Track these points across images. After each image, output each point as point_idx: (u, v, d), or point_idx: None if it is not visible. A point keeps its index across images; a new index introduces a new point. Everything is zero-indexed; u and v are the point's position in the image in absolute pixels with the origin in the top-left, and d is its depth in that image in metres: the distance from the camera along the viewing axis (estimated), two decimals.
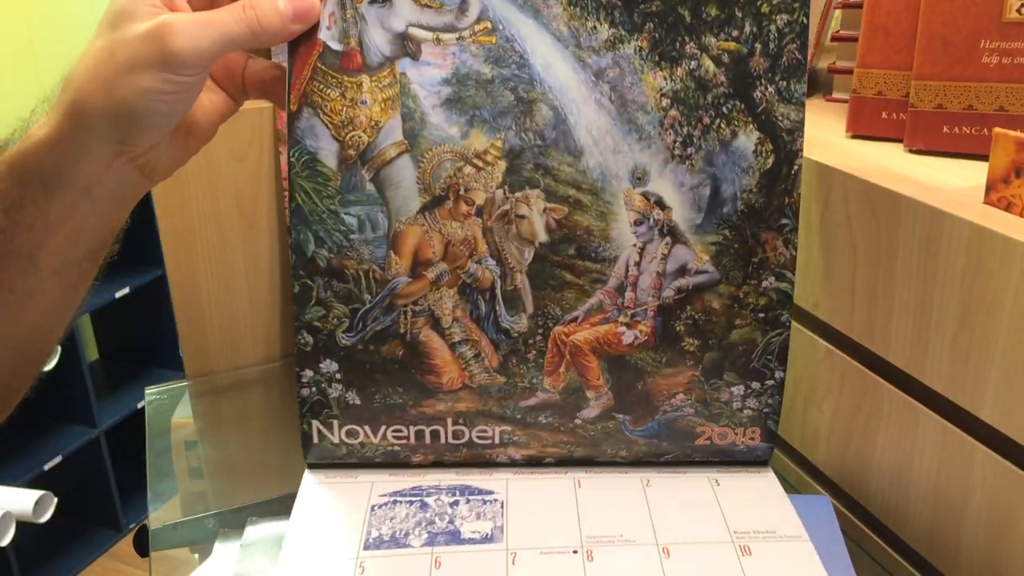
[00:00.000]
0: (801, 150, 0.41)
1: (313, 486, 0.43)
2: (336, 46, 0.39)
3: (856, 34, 0.50)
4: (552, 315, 0.42)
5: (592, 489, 0.43)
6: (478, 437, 0.43)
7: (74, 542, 1.68)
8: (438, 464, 0.44)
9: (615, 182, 0.41)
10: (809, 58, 0.60)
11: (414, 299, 0.42)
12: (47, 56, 1.60)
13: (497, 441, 0.44)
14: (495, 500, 0.42)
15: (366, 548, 0.39)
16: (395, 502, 0.42)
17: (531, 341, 0.42)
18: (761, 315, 0.42)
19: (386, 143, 0.40)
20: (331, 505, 0.42)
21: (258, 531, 0.44)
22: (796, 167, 0.41)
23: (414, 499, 0.42)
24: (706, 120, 0.40)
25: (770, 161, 0.41)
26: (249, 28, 0.34)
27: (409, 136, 0.40)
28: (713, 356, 0.43)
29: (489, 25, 0.39)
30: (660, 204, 0.41)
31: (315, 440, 0.43)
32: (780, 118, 0.40)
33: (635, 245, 0.41)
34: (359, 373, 0.42)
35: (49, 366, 1.37)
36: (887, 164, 0.45)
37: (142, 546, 0.54)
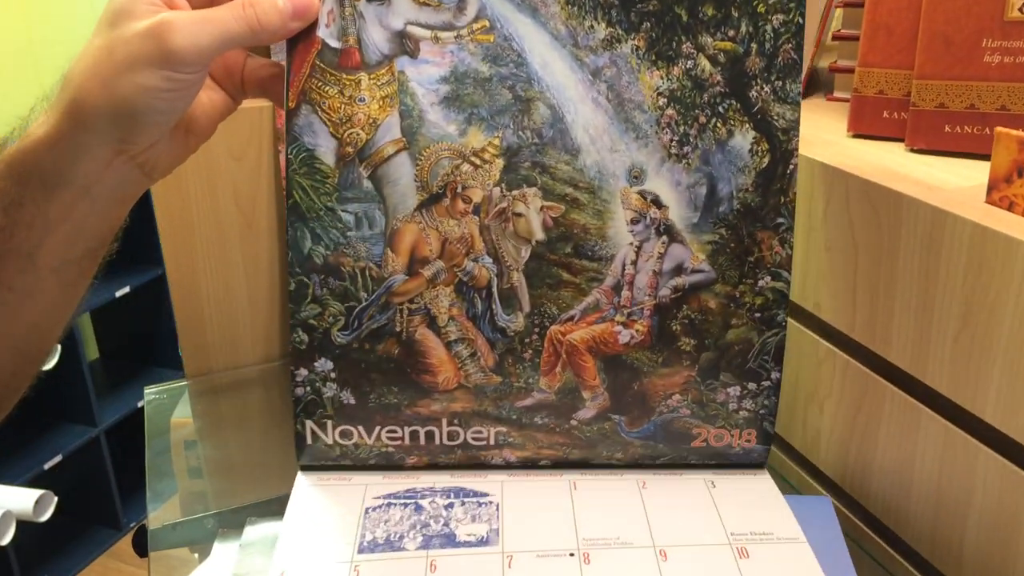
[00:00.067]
0: (796, 149, 0.41)
1: (306, 488, 0.43)
2: (335, 44, 0.39)
3: (857, 33, 0.50)
4: (548, 314, 0.42)
5: (588, 491, 0.43)
6: (473, 438, 0.43)
7: (74, 541, 1.68)
8: (432, 466, 0.44)
9: (612, 181, 0.41)
10: (810, 57, 0.60)
11: (410, 297, 0.41)
12: (47, 56, 1.61)
13: (492, 442, 0.43)
14: (490, 502, 0.42)
15: (360, 552, 0.39)
16: (389, 504, 0.42)
17: (527, 340, 0.42)
18: (757, 315, 0.42)
19: (384, 140, 0.40)
20: (324, 508, 0.42)
21: (257, 531, 0.44)
22: (792, 166, 0.41)
23: (408, 501, 0.42)
24: (702, 119, 0.40)
25: (766, 160, 0.41)
26: (248, 26, 0.34)
27: (407, 134, 0.40)
28: (709, 356, 0.42)
29: (487, 24, 0.39)
30: (657, 203, 0.41)
31: (309, 441, 0.43)
32: (776, 118, 0.40)
33: (632, 244, 0.41)
34: (354, 372, 0.42)
35: (49, 365, 1.37)
36: (889, 163, 0.45)
37: (141, 546, 0.54)
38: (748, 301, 0.42)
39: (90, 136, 0.33)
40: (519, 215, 0.41)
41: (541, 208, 0.41)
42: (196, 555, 0.48)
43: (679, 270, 0.42)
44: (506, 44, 0.39)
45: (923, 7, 0.45)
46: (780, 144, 0.41)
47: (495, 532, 0.40)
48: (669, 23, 0.40)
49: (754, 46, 0.40)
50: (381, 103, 0.40)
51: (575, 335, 0.42)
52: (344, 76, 0.39)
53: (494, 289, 0.42)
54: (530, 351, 0.42)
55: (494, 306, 0.42)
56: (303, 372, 0.42)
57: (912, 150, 0.47)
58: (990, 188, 0.38)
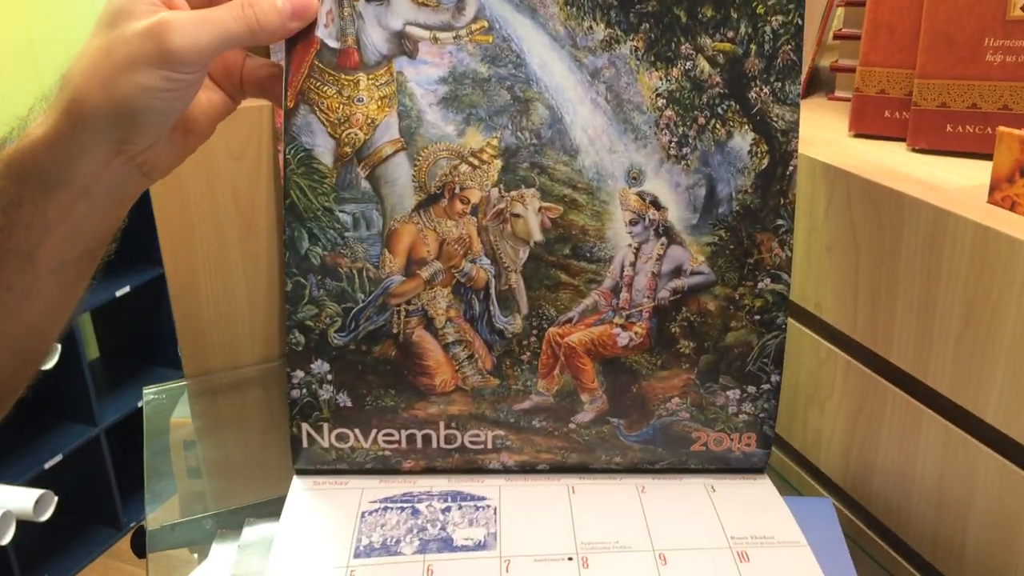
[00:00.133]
0: (796, 151, 0.41)
1: (302, 492, 0.43)
2: (333, 44, 0.39)
3: (859, 32, 0.50)
4: (547, 316, 0.42)
5: (586, 495, 0.43)
6: (470, 442, 0.43)
7: (74, 541, 1.68)
8: (429, 470, 0.44)
9: (611, 182, 0.40)
10: (811, 56, 0.60)
11: (408, 298, 0.41)
12: (47, 56, 1.61)
13: (490, 446, 0.43)
14: (488, 506, 0.42)
15: (356, 556, 0.39)
16: (386, 508, 0.41)
17: (525, 342, 0.42)
18: (757, 317, 0.42)
19: (382, 141, 0.40)
20: (320, 512, 0.41)
21: (255, 532, 0.43)
22: (791, 168, 0.40)
23: (405, 505, 0.41)
24: (701, 120, 0.40)
25: (765, 162, 0.40)
26: (247, 26, 0.34)
27: (405, 134, 0.40)
28: (709, 359, 0.42)
29: (486, 24, 0.39)
30: (656, 204, 0.41)
31: (305, 444, 0.43)
32: (775, 119, 0.40)
33: (630, 245, 0.41)
34: (351, 374, 0.42)
35: (49, 365, 1.37)
36: (890, 163, 0.45)
37: (139, 547, 0.54)
38: (748, 303, 0.42)
39: (89, 136, 0.33)
40: (517, 216, 0.41)
41: (539, 209, 0.41)
42: (196, 555, 0.48)
43: (678, 272, 0.41)
44: (505, 45, 0.39)
45: (925, 6, 0.44)
46: (779, 145, 0.40)
47: (493, 536, 0.40)
48: (668, 24, 0.39)
49: (753, 47, 0.40)
50: (379, 103, 0.39)
51: (573, 337, 0.42)
52: (343, 76, 0.39)
53: (492, 290, 0.41)
54: (528, 353, 0.42)
55: (492, 308, 0.42)
56: (299, 374, 0.42)
57: (914, 150, 0.47)
58: (992, 188, 0.38)
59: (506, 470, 0.44)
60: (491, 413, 0.43)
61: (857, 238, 0.44)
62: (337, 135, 0.40)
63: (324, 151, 0.40)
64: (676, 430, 0.43)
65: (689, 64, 0.40)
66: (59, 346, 1.42)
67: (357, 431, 0.43)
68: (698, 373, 0.42)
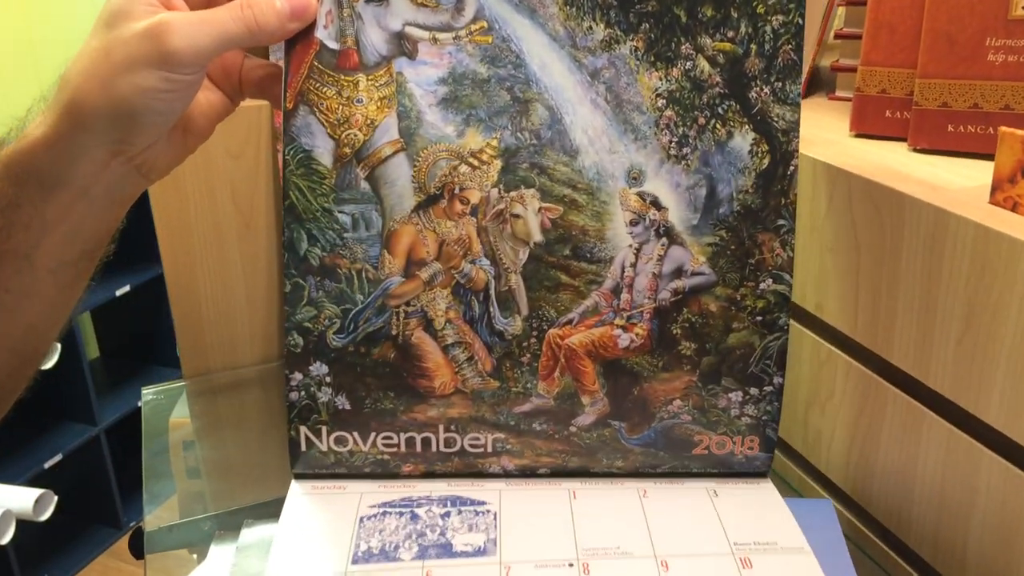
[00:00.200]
0: (797, 151, 0.40)
1: (299, 497, 0.42)
2: (333, 45, 0.39)
3: (860, 31, 0.50)
4: (547, 317, 0.41)
5: (587, 500, 0.42)
6: (470, 445, 0.43)
7: (74, 540, 1.68)
8: (429, 475, 0.44)
9: (611, 182, 0.40)
10: (812, 56, 0.60)
11: (407, 299, 0.41)
12: (47, 56, 1.61)
13: (490, 449, 0.43)
14: (488, 511, 0.41)
15: (354, 562, 0.38)
16: (385, 513, 0.41)
17: (525, 344, 0.42)
18: (759, 318, 0.42)
19: (381, 141, 0.40)
20: (318, 517, 0.41)
21: (254, 533, 0.43)
22: (792, 168, 0.40)
23: (404, 510, 0.41)
24: (701, 120, 0.40)
25: (766, 162, 0.40)
26: (247, 27, 0.34)
27: (405, 135, 0.40)
28: (710, 360, 0.42)
29: (485, 25, 0.39)
30: (656, 204, 0.41)
31: (303, 448, 0.43)
32: (775, 119, 0.40)
33: (631, 246, 0.41)
34: (349, 376, 0.41)
35: (48, 364, 1.37)
36: (891, 163, 0.45)
37: (137, 548, 0.53)
38: (749, 304, 0.42)
39: (88, 137, 0.33)
40: (517, 216, 0.41)
41: (539, 209, 0.40)
42: (195, 556, 0.48)
43: (679, 272, 0.41)
44: (504, 45, 0.39)
45: (926, 6, 0.44)
46: (780, 145, 0.40)
47: (492, 542, 0.40)
48: (668, 24, 0.39)
49: (753, 47, 0.40)
50: (379, 104, 0.39)
51: (574, 339, 0.42)
52: (342, 77, 0.39)
53: (492, 291, 0.41)
54: (528, 355, 0.42)
55: (492, 309, 0.41)
56: (298, 376, 0.42)
57: (915, 150, 0.47)
58: (994, 188, 0.38)
59: (506, 474, 0.44)
60: (491, 416, 0.42)
61: (858, 238, 0.43)
62: (336, 136, 0.39)
63: (323, 152, 0.40)
64: (678, 433, 0.43)
65: (689, 64, 0.39)
66: (59, 346, 1.42)
67: (356, 434, 0.42)
68: (700, 375, 0.42)
